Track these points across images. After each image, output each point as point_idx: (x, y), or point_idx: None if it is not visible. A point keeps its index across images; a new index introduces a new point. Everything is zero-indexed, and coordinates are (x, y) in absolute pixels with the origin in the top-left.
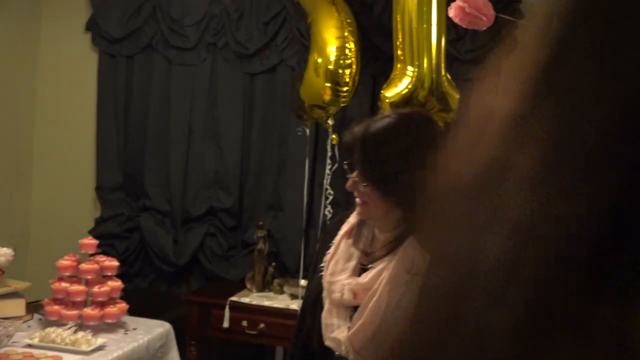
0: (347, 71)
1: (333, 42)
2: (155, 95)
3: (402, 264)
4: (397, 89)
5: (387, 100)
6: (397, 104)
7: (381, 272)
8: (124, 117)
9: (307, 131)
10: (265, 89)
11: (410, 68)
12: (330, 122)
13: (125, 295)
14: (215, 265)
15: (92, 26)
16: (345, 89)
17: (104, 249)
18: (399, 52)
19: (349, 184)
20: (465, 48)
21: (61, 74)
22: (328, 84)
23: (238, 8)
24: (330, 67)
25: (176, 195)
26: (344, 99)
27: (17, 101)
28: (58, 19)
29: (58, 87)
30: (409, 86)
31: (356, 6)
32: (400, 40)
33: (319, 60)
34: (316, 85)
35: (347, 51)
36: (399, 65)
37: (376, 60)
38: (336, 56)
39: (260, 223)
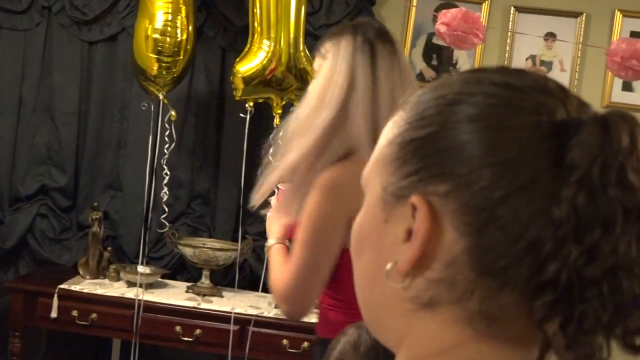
0: (173, 40)
1: (161, 8)
2: None
3: None
4: (252, 63)
5: (240, 75)
6: (250, 79)
7: None
8: None
9: (152, 106)
10: (105, 59)
11: (266, 41)
12: (161, 96)
13: None
14: (46, 248)
15: None
16: (169, 59)
17: None
18: (255, 24)
19: None
20: (319, 23)
21: None
22: (153, 54)
23: None
24: (156, 35)
25: (2, 172)
26: (172, 71)
27: None
28: None
29: None
30: (264, 61)
31: None
32: (257, 11)
33: (148, 28)
34: (143, 55)
35: (177, 19)
36: (255, 38)
37: (225, 31)
38: (163, 23)
39: (95, 204)
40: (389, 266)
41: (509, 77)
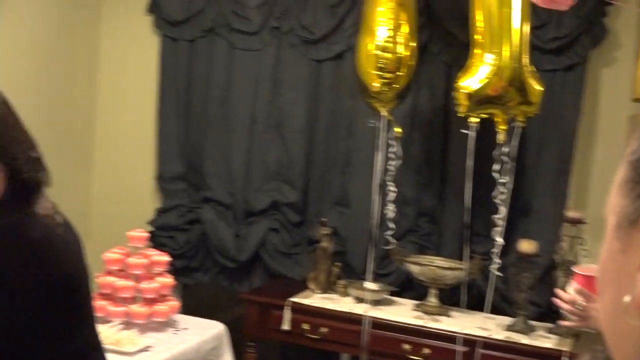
0: (394, 56)
1: (382, 24)
2: (217, 82)
3: None
4: (474, 78)
5: (463, 91)
6: (473, 95)
7: None
8: (185, 104)
9: (378, 123)
10: (332, 77)
11: (489, 55)
12: (384, 112)
13: (185, 291)
14: (278, 262)
15: (153, 8)
16: (390, 75)
17: (164, 241)
18: (477, 37)
19: None
20: (548, 36)
21: (122, 59)
22: (374, 71)
23: None
24: (377, 51)
25: (238, 188)
26: (394, 87)
27: (78, 86)
28: (119, 1)
29: (119, 72)
30: (489, 75)
31: None
32: (479, 24)
33: (370, 44)
34: (366, 72)
35: (398, 35)
36: (476, 51)
37: (450, 47)
38: (384, 40)
39: (324, 220)
40: (625, 300)
41: None
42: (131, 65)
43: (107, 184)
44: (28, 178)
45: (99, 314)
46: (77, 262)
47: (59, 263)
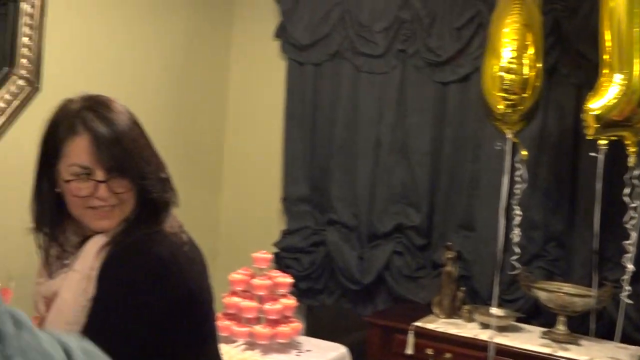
0: (519, 78)
1: (507, 45)
2: (342, 104)
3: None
4: (603, 99)
5: (591, 112)
6: (602, 117)
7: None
8: (311, 126)
9: (505, 146)
10: (457, 100)
11: (618, 76)
12: (509, 135)
13: (309, 313)
14: (402, 286)
15: (281, 33)
16: (514, 97)
17: (289, 262)
18: (606, 57)
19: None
20: None
21: (251, 82)
22: (499, 93)
23: (429, 13)
24: (501, 73)
25: (362, 210)
26: (518, 109)
27: (208, 110)
28: (249, 26)
29: (248, 95)
30: (618, 96)
31: (558, 10)
32: (607, 44)
33: (495, 66)
34: (491, 94)
35: (523, 56)
36: (605, 71)
37: (580, 68)
38: (508, 61)
39: (449, 243)
40: None
41: None
42: (259, 88)
43: (235, 206)
44: (157, 197)
45: (223, 334)
46: (201, 280)
47: (183, 279)
